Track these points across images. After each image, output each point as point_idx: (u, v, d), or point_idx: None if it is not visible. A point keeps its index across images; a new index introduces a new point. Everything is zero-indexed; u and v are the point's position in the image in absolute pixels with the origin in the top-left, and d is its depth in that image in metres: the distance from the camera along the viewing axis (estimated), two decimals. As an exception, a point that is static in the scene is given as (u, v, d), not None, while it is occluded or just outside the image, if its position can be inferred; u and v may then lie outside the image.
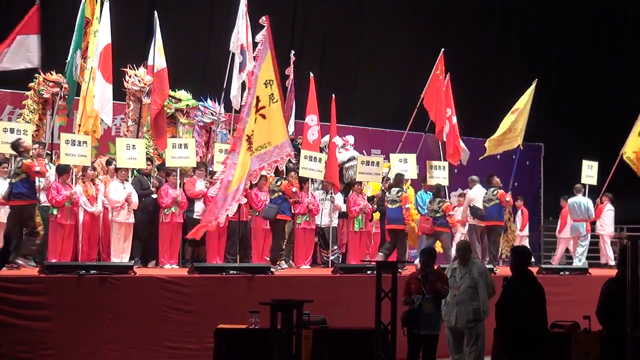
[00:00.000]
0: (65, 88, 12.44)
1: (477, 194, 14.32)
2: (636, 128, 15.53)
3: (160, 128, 12.83)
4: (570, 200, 15.50)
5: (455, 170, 15.80)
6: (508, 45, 20.74)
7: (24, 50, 11.67)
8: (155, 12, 13.11)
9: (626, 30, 20.29)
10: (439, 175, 14.49)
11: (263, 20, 10.64)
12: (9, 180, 11.02)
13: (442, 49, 14.65)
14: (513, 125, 15.07)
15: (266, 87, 10.29)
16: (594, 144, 17.59)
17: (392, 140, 15.69)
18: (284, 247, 12.91)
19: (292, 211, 12.94)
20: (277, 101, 10.29)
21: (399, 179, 13.65)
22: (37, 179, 11.16)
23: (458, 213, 14.71)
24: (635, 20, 20.05)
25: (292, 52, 14.74)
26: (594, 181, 15.72)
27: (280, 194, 12.64)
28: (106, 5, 12.57)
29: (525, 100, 15.33)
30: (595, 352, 8.46)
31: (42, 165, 10.96)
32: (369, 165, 13.91)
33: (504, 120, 15.34)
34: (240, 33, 13.04)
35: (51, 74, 12.48)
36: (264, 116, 10.18)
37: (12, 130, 11.53)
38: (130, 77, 13.20)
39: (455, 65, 16.38)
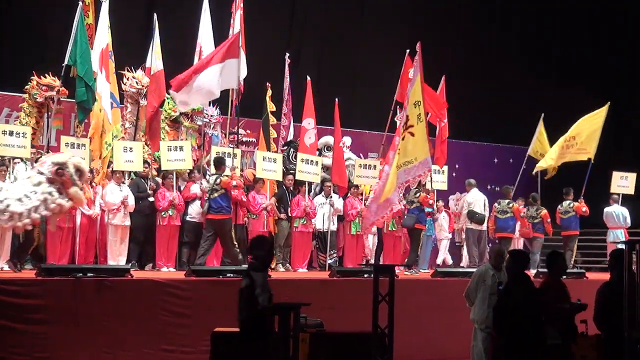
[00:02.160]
0: (61, 91, 12.37)
1: (474, 198, 14.39)
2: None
3: (154, 130, 12.80)
4: (607, 209, 15.87)
5: (454, 174, 15.79)
6: (508, 45, 20.71)
7: (225, 73, 12.15)
8: (155, 14, 13.09)
9: (626, 30, 20.27)
10: (438, 179, 14.43)
11: (418, 46, 11.79)
12: (208, 195, 11.94)
13: (408, 50, 14.28)
14: (576, 138, 15.73)
15: (415, 107, 11.51)
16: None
17: (389, 144, 15.60)
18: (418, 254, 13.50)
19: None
20: (422, 120, 11.53)
21: (507, 191, 14.78)
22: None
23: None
24: (635, 20, 20.03)
25: (287, 54, 14.72)
26: (629, 191, 15.95)
27: (418, 204, 13.24)
28: (105, 6, 12.55)
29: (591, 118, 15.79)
30: (593, 357, 8.43)
31: (237, 179, 12.06)
32: (366, 168, 13.91)
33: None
34: (204, 35, 13.13)
35: (45, 77, 12.42)
36: (412, 134, 11.47)
37: (11, 133, 11.49)
38: (127, 79, 13.17)
39: (455, 66, 16.35)
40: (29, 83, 12.47)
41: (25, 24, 15.17)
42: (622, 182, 15.91)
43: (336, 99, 13.90)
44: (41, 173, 9.45)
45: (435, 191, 14.40)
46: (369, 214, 11.82)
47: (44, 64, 12.80)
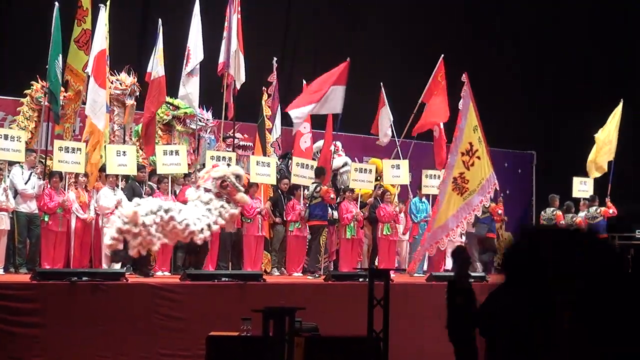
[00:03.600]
0: (65, 96, 12.34)
1: None
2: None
3: (149, 135, 12.75)
4: (581, 214, 16.24)
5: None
6: (508, 45, 20.63)
7: (331, 98, 12.84)
8: (160, 19, 13.06)
9: (626, 30, 20.18)
10: (434, 183, 14.31)
11: (464, 77, 12.64)
12: (308, 202, 12.87)
13: (442, 55, 14.42)
14: (603, 144, 16.29)
15: (474, 132, 12.60)
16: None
17: (385, 147, 15.53)
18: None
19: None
20: (482, 141, 12.64)
21: (553, 200, 15.77)
22: (32, 185, 11.48)
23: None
24: (635, 20, 19.94)
25: (275, 59, 14.72)
26: (588, 195, 16.35)
27: (489, 214, 14.37)
28: (102, 11, 12.51)
29: (612, 125, 16.31)
30: None
31: (333, 193, 12.97)
32: (362, 172, 13.84)
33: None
34: (194, 39, 13.13)
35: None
36: (478, 157, 12.55)
37: (6, 137, 11.48)
38: (112, 82, 13.08)
39: (454, 67, 16.17)
40: (31, 87, 12.46)
41: (26, 24, 15.14)
42: (582, 187, 16.50)
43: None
44: (208, 190, 10.73)
45: (431, 196, 14.37)
46: (425, 241, 12.74)
47: (44, 64, 12.77)
